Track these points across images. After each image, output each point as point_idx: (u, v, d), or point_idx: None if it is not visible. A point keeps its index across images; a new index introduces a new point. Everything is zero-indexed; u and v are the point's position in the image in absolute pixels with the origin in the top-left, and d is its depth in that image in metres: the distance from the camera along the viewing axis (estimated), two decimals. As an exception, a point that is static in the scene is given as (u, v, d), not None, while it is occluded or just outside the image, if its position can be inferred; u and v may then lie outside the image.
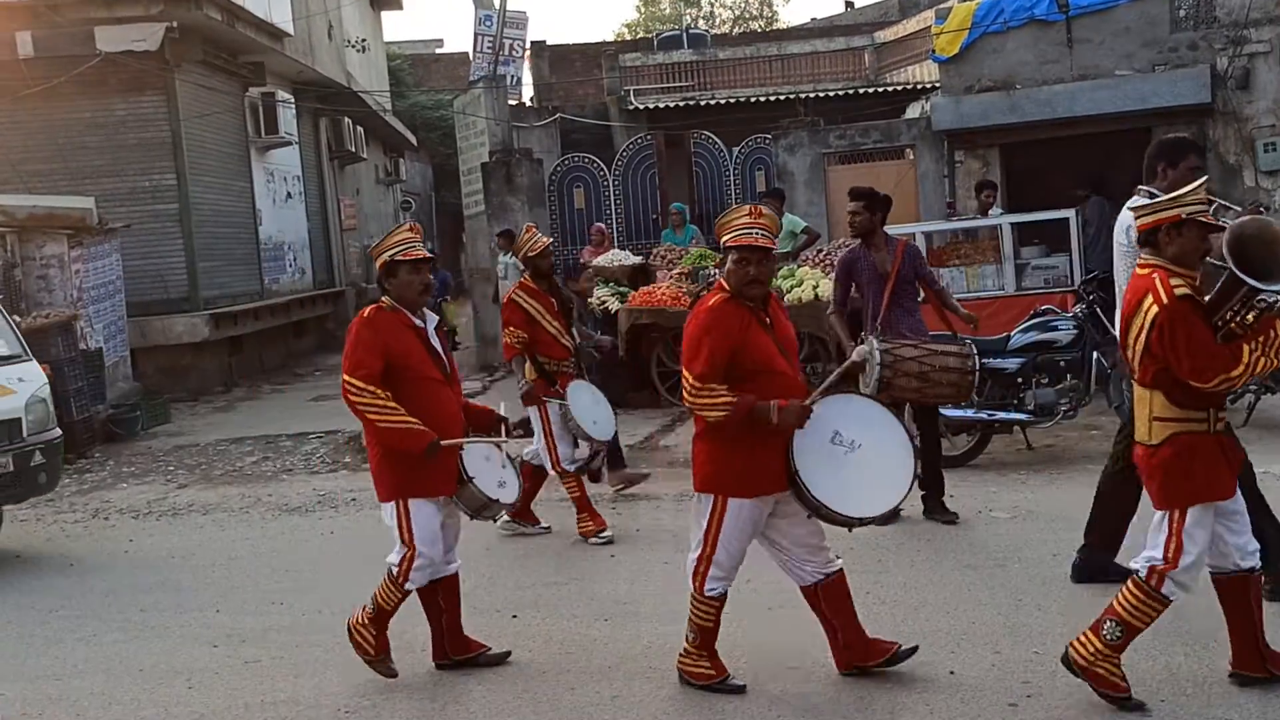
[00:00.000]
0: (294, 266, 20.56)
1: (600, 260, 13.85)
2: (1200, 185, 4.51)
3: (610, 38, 45.79)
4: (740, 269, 4.83)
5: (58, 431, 8.72)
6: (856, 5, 32.98)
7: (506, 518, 7.56)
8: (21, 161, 15.31)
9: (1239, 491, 4.55)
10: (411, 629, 5.62)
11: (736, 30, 45.01)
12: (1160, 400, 4.44)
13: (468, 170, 18.57)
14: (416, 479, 5.20)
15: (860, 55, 23.88)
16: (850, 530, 4.91)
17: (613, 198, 16.93)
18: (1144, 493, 4.74)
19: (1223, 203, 5.12)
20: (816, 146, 15.28)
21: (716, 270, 12.60)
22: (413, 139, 29.75)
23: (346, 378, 5.19)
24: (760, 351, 4.81)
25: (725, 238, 4.90)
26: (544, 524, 8.02)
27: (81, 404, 12.15)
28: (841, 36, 25.23)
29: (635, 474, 8.97)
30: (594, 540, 7.60)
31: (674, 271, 12.95)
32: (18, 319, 10.54)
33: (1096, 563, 5.98)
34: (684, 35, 26.85)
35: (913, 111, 18.05)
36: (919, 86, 20.56)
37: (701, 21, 45.15)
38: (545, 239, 8.03)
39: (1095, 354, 9.18)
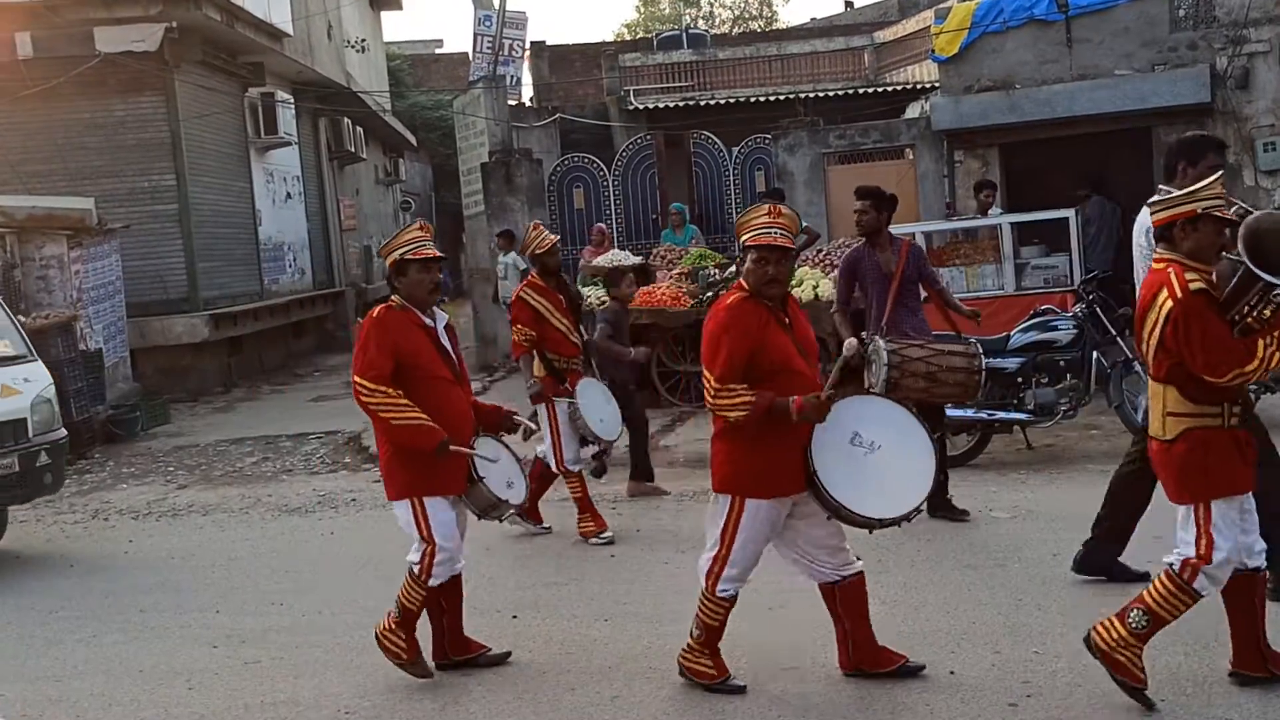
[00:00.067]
0: (293, 267, 20.57)
1: (600, 260, 13.85)
2: (1215, 180, 4.50)
3: (610, 38, 45.83)
4: (759, 268, 4.81)
5: (63, 432, 8.72)
6: (856, 5, 32.98)
7: (516, 516, 7.55)
8: (21, 162, 15.31)
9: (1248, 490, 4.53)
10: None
11: (736, 30, 45.02)
12: (1174, 395, 4.43)
13: (467, 170, 18.57)
14: (429, 477, 5.21)
15: (860, 55, 23.88)
16: (871, 532, 4.89)
17: (612, 198, 16.93)
18: (1156, 492, 4.72)
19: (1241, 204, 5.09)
20: (816, 146, 15.27)
21: (716, 270, 12.63)
22: (412, 139, 29.76)
23: (357, 378, 5.21)
24: (779, 351, 4.79)
25: (744, 236, 4.89)
26: (545, 524, 8.02)
27: (81, 405, 12.15)
28: (841, 36, 25.23)
29: (653, 488, 8.91)
30: (594, 541, 7.59)
31: (674, 271, 12.96)
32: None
33: (1101, 558, 5.95)
34: (684, 35, 26.85)
35: (912, 111, 18.05)
36: (918, 86, 20.55)
37: (701, 21, 45.15)
38: (552, 236, 8.02)
39: (1095, 354, 9.17)
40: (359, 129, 23.87)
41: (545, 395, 7.79)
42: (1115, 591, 5.74)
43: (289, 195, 20.66)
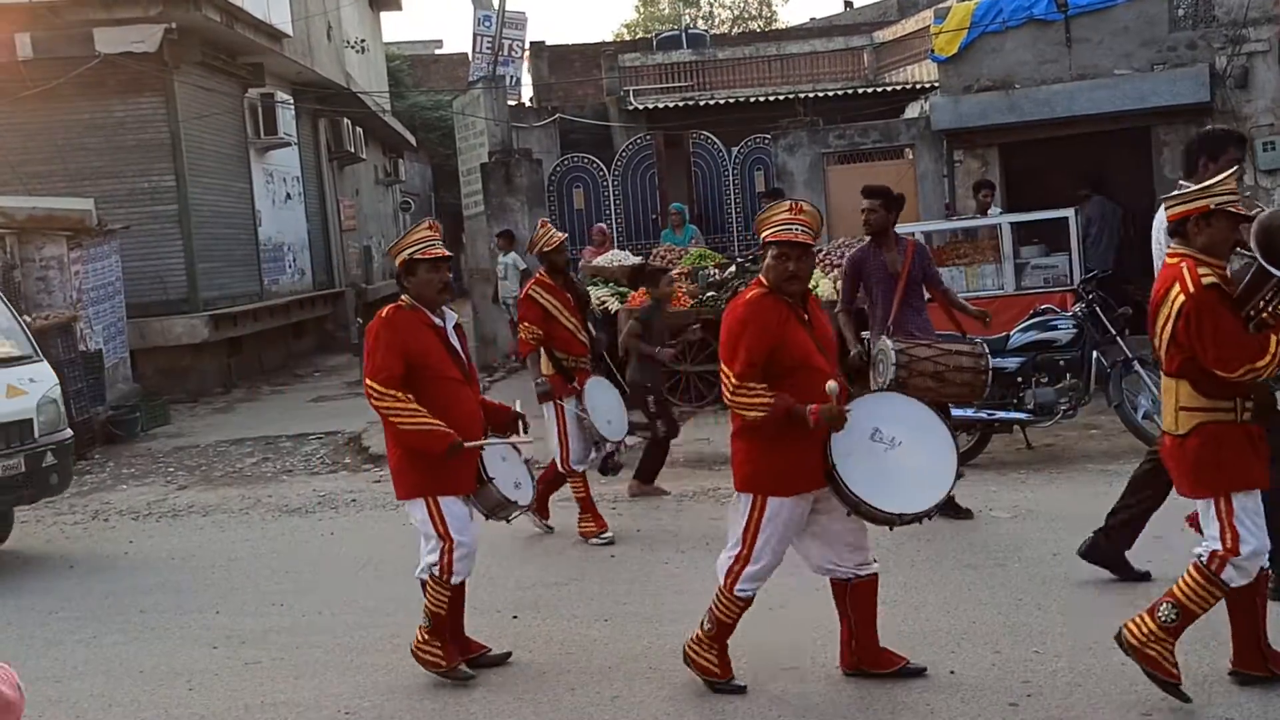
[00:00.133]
0: (293, 267, 20.57)
1: (600, 260, 13.86)
2: (1230, 175, 4.50)
3: (609, 38, 45.79)
4: (780, 264, 4.79)
5: (69, 432, 8.73)
6: (855, 5, 32.94)
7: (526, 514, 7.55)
8: (21, 163, 15.31)
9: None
10: (410, 629, 5.61)
11: (735, 30, 45.00)
12: (1187, 390, 4.43)
13: (467, 171, 18.58)
14: (440, 477, 5.22)
15: (859, 55, 23.87)
16: (891, 529, 4.86)
17: (612, 198, 16.93)
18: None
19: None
20: (816, 146, 15.26)
21: (716, 270, 12.63)
22: (412, 139, 29.76)
23: (368, 381, 5.23)
24: (798, 348, 4.78)
25: (765, 233, 4.86)
26: (548, 524, 8.02)
27: (81, 405, 12.14)
28: (840, 36, 25.22)
29: (654, 489, 8.89)
30: (595, 541, 7.59)
31: (673, 272, 12.94)
32: (21, 320, 10.53)
33: (1108, 550, 5.91)
34: (683, 35, 26.83)
35: (912, 111, 18.04)
36: (918, 86, 20.54)
37: (700, 21, 45.14)
38: (560, 234, 8.01)
39: (1095, 353, 9.17)
40: (359, 129, 23.88)
41: (554, 394, 7.79)
42: (1115, 591, 5.76)
43: (289, 196, 20.66)
